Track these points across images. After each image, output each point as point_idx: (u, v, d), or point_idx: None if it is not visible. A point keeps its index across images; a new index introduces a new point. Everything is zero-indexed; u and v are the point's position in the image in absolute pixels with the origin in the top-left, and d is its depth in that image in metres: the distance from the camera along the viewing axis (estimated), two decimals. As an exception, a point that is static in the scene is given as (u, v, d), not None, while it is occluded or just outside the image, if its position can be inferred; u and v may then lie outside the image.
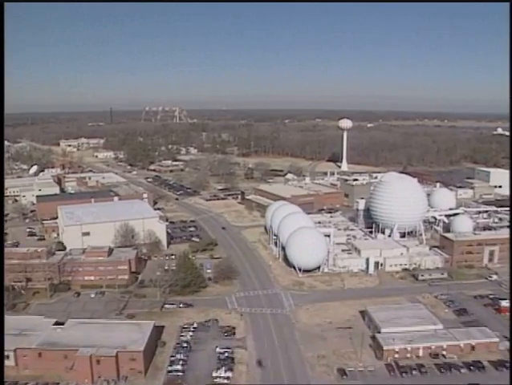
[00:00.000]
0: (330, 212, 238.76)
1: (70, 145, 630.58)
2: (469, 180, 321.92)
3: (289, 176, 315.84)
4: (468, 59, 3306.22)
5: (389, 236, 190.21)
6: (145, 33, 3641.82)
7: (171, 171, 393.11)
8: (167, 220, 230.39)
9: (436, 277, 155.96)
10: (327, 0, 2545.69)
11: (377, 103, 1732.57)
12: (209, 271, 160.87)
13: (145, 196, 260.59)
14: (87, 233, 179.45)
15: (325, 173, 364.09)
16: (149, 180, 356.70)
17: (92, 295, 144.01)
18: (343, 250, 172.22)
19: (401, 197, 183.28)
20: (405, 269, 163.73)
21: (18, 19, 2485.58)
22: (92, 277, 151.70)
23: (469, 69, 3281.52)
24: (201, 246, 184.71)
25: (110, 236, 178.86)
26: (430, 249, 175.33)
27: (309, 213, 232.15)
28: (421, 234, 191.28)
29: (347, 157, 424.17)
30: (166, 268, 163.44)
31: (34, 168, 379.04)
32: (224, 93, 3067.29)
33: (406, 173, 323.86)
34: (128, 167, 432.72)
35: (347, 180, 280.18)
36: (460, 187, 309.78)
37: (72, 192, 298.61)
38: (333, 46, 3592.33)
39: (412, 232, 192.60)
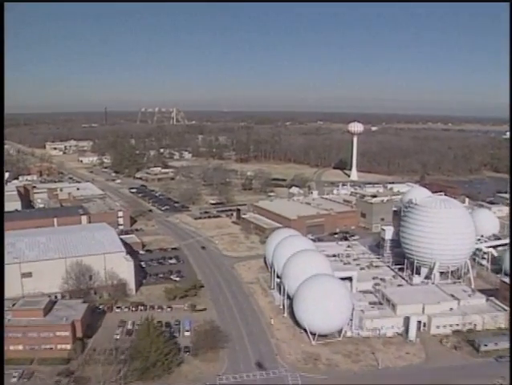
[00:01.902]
0: (345, 239, 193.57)
1: (56, 148, 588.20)
2: (502, 195, 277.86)
3: (294, 189, 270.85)
4: (469, 61, 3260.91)
5: (426, 277, 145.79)
6: (146, 33, 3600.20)
7: (159, 180, 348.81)
8: (143, 246, 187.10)
9: (505, 347, 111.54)
10: (328, 0, 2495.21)
11: (378, 105, 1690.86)
12: (187, 334, 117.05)
13: (121, 214, 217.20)
14: (29, 274, 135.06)
15: (333, 183, 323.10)
16: (133, 190, 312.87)
17: (14, 379, 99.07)
18: (370, 304, 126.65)
19: (445, 227, 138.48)
20: (457, 331, 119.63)
21: (18, 19, 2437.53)
22: (20, 347, 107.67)
23: (469, 71, 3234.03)
24: (180, 291, 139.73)
25: (59, 278, 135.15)
26: (487, 300, 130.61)
27: (319, 240, 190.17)
28: (468, 274, 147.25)
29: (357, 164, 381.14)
30: (130, 327, 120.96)
31: (6, 175, 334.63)
32: (224, 94, 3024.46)
33: (426, 184, 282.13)
34: (113, 174, 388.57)
35: (364, 197, 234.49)
36: (491, 202, 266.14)
37: (41, 205, 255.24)
38: (332, 47, 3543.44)
39: (454, 271, 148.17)
